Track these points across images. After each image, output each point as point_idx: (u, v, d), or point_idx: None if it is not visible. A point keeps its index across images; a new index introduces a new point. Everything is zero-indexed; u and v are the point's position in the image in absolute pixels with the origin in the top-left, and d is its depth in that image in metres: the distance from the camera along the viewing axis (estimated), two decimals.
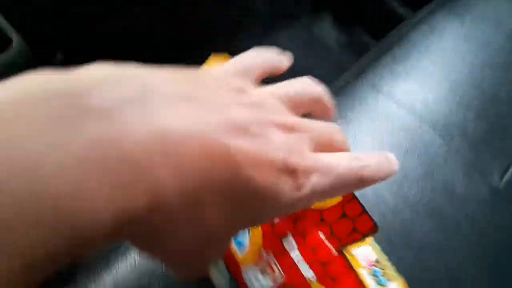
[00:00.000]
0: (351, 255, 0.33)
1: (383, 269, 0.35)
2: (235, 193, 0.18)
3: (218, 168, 0.17)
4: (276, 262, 0.33)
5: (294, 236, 0.33)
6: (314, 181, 0.20)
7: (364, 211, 0.32)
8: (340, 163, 0.21)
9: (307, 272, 0.33)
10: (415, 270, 0.42)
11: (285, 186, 0.19)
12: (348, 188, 0.22)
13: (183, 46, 0.85)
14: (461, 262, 0.44)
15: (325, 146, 0.22)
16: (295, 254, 0.33)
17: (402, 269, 0.42)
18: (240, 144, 0.18)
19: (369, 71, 0.54)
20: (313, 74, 0.27)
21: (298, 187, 0.20)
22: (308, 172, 0.20)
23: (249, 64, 0.25)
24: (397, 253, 0.43)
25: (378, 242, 0.43)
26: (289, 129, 0.20)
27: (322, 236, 0.33)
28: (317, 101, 0.25)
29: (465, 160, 0.49)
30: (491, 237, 0.46)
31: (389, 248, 0.41)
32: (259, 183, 0.18)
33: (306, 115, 0.24)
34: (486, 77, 0.56)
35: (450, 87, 0.54)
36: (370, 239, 0.35)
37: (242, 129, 0.18)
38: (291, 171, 0.19)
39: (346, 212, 0.33)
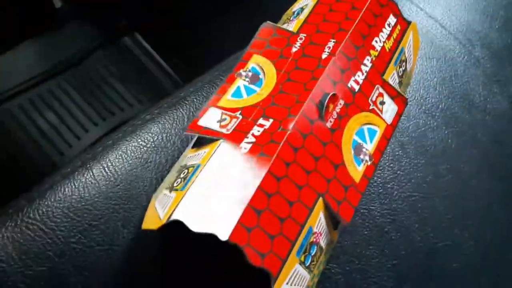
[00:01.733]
0: None
1: None
2: None
3: None
4: None
5: None
6: None
7: None
8: None
9: None
10: (428, 175, 0.40)
11: None
12: None
13: None
14: (474, 171, 0.41)
15: None
16: None
17: (414, 174, 0.39)
18: None
19: None
20: None
21: None
22: None
23: None
24: (409, 157, 0.40)
25: (390, 146, 0.40)
26: None
27: None
28: None
29: (485, 70, 0.46)
30: (509, 149, 0.43)
31: (401, 152, 0.39)
32: None
33: None
34: None
35: None
36: None
37: None
38: None
39: None
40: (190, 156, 0.34)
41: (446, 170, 0.41)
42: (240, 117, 0.33)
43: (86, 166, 0.36)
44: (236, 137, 0.32)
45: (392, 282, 0.36)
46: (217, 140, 0.32)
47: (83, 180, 0.35)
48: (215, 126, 0.33)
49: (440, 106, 0.43)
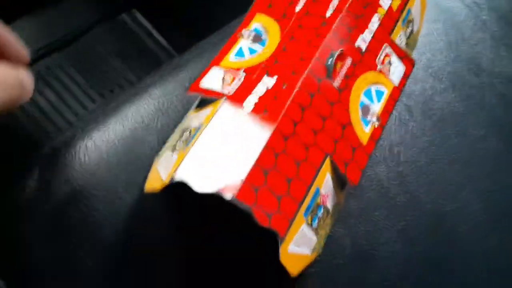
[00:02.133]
0: None
1: None
2: None
3: None
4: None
5: None
6: None
7: None
8: None
9: None
10: (435, 139, 0.39)
11: None
12: None
13: None
14: (482, 135, 0.41)
15: None
16: None
17: (421, 138, 0.38)
18: None
19: None
20: None
21: None
22: None
23: None
24: (416, 121, 0.39)
25: (397, 109, 0.39)
26: None
27: None
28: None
29: (493, 33, 0.45)
30: None
31: (408, 116, 0.38)
32: None
33: None
34: None
35: None
36: None
37: None
38: None
39: None
40: (193, 117, 0.33)
41: (454, 134, 0.40)
42: (243, 76, 0.32)
43: (86, 130, 0.35)
44: (239, 96, 0.31)
45: (399, 245, 0.36)
46: (219, 100, 0.31)
47: (83, 146, 0.35)
48: (217, 86, 0.32)
49: (447, 69, 0.42)
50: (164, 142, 0.35)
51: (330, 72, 0.32)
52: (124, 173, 0.34)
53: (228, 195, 0.26)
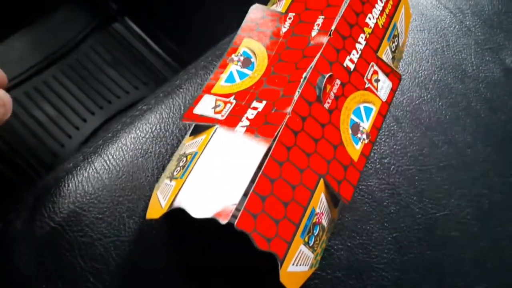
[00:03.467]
0: None
1: None
2: None
3: None
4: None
5: None
6: None
7: None
8: None
9: None
10: (423, 147, 0.40)
11: None
12: None
13: None
14: (469, 141, 0.42)
15: None
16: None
17: (410, 148, 0.40)
18: None
19: None
20: None
21: None
22: None
23: None
24: (404, 131, 0.40)
25: (386, 121, 0.40)
26: None
27: None
28: None
29: (477, 38, 0.46)
30: (502, 116, 0.44)
31: (396, 127, 0.39)
32: None
33: None
34: None
35: None
36: None
37: None
38: None
39: None
40: (188, 144, 0.34)
41: (441, 141, 0.41)
42: (234, 102, 0.34)
43: (88, 160, 0.37)
44: (230, 121, 0.32)
45: (393, 254, 0.37)
46: (212, 126, 0.32)
47: (86, 174, 0.36)
48: (210, 113, 0.34)
49: (433, 77, 0.43)
50: (163, 169, 0.36)
51: (321, 95, 0.33)
52: (126, 200, 0.35)
53: (225, 221, 0.27)
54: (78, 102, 0.76)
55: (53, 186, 0.36)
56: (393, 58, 0.39)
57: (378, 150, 0.40)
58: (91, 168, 0.36)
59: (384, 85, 0.37)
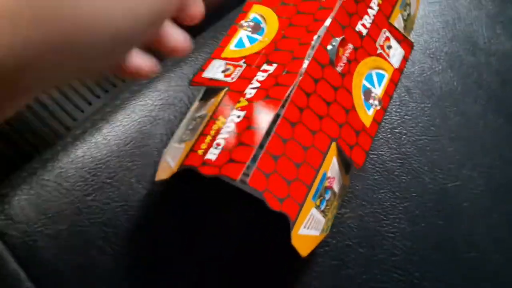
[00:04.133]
0: None
1: None
2: None
3: None
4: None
5: None
6: None
7: None
8: None
9: None
10: (435, 118, 0.40)
11: None
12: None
13: None
14: (480, 112, 0.41)
15: None
16: None
17: (421, 118, 0.39)
18: None
19: None
20: None
21: None
22: None
23: None
24: (416, 101, 0.40)
25: (397, 91, 0.40)
26: None
27: None
28: None
29: (488, 11, 0.46)
30: None
31: (408, 97, 0.39)
32: None
33: None
34: None
35: None
36: None
37: None
38: None
39: None
40: (197, 108, 0.34)
41: (453, 112, 0.41)
42: (244, 65, 0.33)
43: (96, 127, 0.36)
44: (241, 84, 0.32)
45: (404, 223, 0.37)
46: (222, 89, 0.32)
47: (94, 140, 0.36)
48: (219, 76, 0.33)
49: (445, 49, 0.43)
50: (171, 135, 0.36)
51: (333, 58, 0.32)
52: (135, 165, 0.35)
53: (239, 182, 0.27)
54: (83, 86, 0.76)
55: (61, 151, 0.36)
56: (404, 27, 0.38)
57: (389, 120, 0.39)
58: (99, 135, 0.36)
59: (396, 52, 0.36)
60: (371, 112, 0.34)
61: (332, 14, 0.33)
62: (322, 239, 0.31)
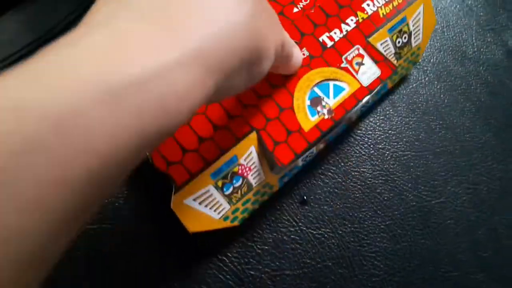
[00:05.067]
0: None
1: None
2: None
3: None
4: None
5: None
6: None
7: None
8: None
9: None
10: (420, 133, 0.39)
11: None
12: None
13: None
14: (467, 125, 0.40)
15: None
16: None
17: (406, 133, 0.38)
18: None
19: None
20: None
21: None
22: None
23: None
24: (400, 115, 0.39)
25: (381, 105, 0.39)
26: None
27: None
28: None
29: (479, 19, 0.44)
30: (503, 100, 0.42)
31: (392, 111, 0.38)
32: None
33: None
34: None
35: None
36: None
37: None
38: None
39: None
40: None
41: (439, 126, 0.40)
42: None
43: None
44: None
45: (386, 243, 0.36)
46: None
47: None
48: None
49: (432, 59, 0.41)
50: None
51: None
52: None
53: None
54: None
55: None
56: (396, 53, 0.37)
57: (372, 135, 0.38)
58: None
59: (369, 71, 0.35)
60: (314, 118, 0.33)
61: (295, 21, 0.33)
62: (226, 228, 0.31)
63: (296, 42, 0.33)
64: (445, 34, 0.43)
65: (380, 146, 0.38)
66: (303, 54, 0.33)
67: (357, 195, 0.37)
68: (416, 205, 0.37)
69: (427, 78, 0.41)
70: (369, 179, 0.37)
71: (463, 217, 0.38)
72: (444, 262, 0.37)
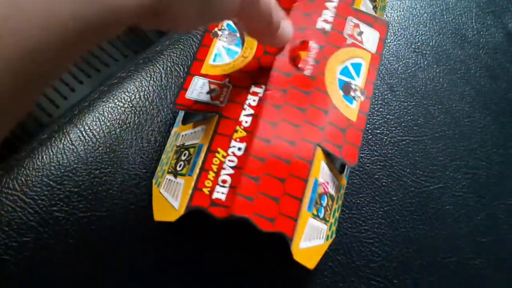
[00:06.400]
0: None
1: None
2: None
3: None
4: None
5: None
6: None
7: None
8: None
9: None
10: (418, 117, 0.38)
11: None
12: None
13: None
14: (467, 110, 0.40)
15: None
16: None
17: (404, 117, 0.38)
18: None
19: None
20: None
21: None
22: None
23: None
24: (399, 100, 0.38)
25: (379, 89, 0.38)
26: None
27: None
28: None
29: (479, 1, 0.43)
30: (503, 83, 0.41)
31: (390, 95, 0.37)
32: None
33: None
34: None
35: None
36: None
37: None
38: None
39: None
40: (186, 134, 0.32)
41: (438, 111, 0.39)
42: (230, 85, 0.32)
43: (63, 131, 0.35)
44: (232, 109, 0.31)
45: (383, 229, 0.36)
46: (213, 116, 0.31)
47: (61, 146, 0.34)
48: (205, 98, 0.32)
49: (431, 43, 0.41)
50: (141, 140, 0.34)
51: (296, 63, 0.32)
52: (103, 173, 0.34)
53: (221, 217, 0.27)
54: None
55: (26, 157, 0.34)
56: (374, 7, 0.36)
57: (370, 120, 0.38)
58: (66, 140, 0.34)
59: (370, 36, 0.34)
60: (354, 105, 0.32)
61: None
62: (329, 245, 0.31)
63: (303, 41, 0.32)
64: (444, 17, 0.42)
65: (378, 131, 0.37)
66: (313, 49, 0.32)
67: (355, 181, 0.36)
68: (414, 190, 0.37)
69: (426, 62, 0.40)
70: (367, 164, 0.37)
71: (462, 202, 0.38)
72: (442, 248, 0.36)
